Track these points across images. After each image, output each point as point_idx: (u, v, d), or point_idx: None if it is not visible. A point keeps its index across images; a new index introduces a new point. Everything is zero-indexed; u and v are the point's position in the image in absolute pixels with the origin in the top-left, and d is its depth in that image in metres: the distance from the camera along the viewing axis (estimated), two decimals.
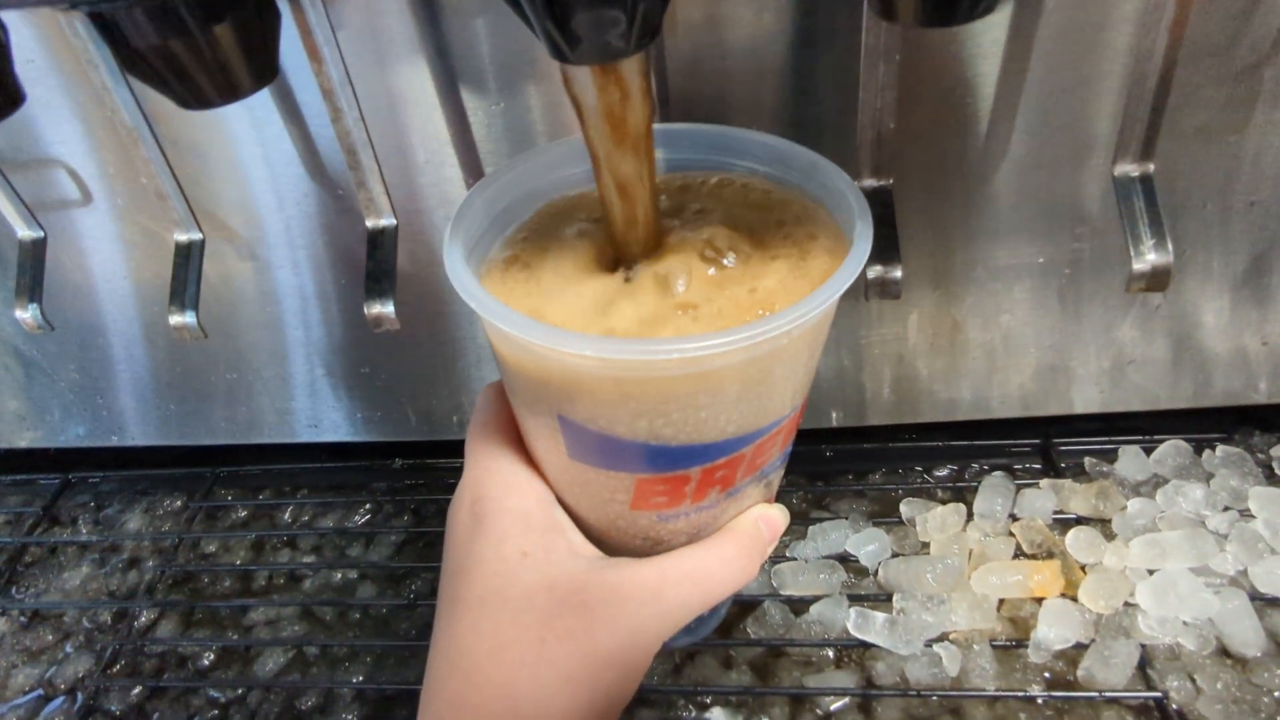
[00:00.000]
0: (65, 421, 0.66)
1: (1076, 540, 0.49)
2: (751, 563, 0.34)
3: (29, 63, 0.44)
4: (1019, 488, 0.54)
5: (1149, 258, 0.34)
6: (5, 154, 0.48)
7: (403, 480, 0.64)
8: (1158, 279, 0.34)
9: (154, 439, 0.66)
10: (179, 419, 0.64)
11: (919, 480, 0.57)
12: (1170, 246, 0.34)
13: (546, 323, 0.29)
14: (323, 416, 0.63)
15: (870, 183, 0.37)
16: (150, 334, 0.59)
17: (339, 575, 0.58)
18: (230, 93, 0.25)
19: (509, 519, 0.31)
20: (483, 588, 0.31)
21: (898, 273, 0.35)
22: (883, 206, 0.36)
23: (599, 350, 0.26)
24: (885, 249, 0.36)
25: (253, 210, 0.50)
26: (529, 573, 0.30)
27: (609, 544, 0.34)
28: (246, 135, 0.47)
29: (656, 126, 0.32)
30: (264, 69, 0.25)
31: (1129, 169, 0.35)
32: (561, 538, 0.32)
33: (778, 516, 0.36)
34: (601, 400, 0.28)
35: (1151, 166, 0.35)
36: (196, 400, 0.63)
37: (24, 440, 0.67)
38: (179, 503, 0.65)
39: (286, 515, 0.63)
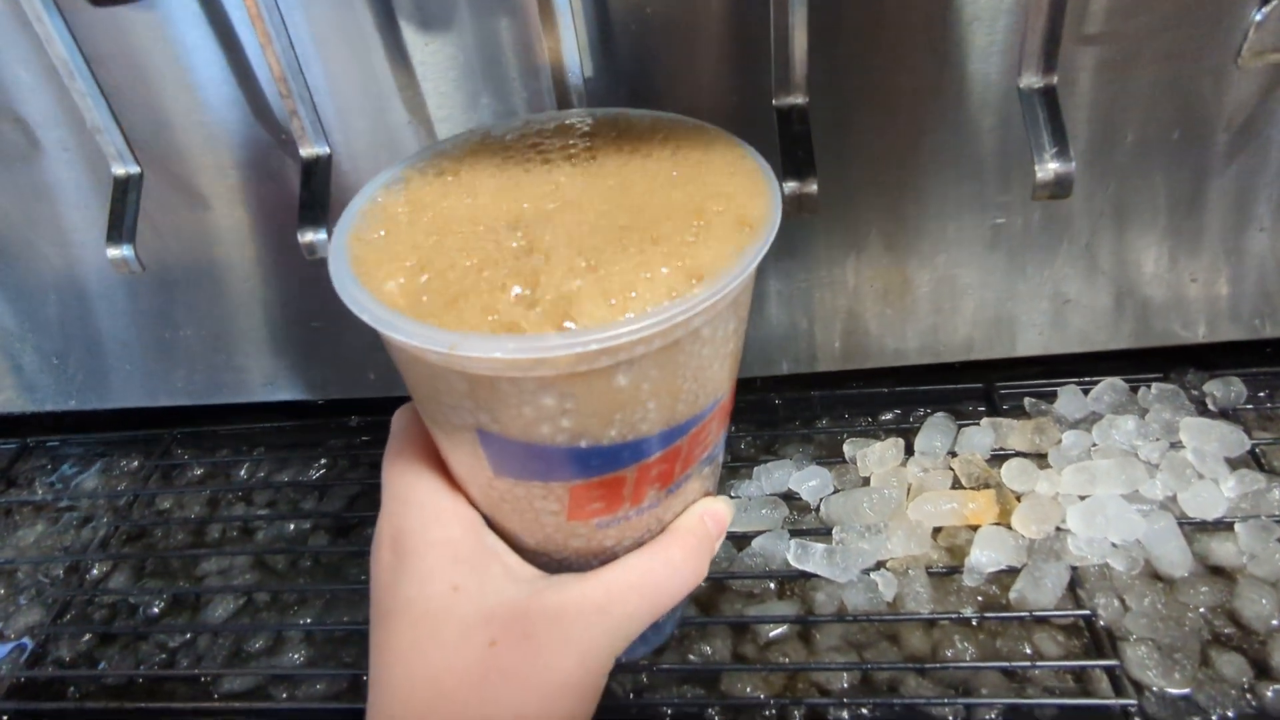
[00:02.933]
0: (24, 385, 0.66)
1: (1011, 470, 0.50)
2: (700, 563, 0.32)
3: None
4: (960, 427, 0.55)
5: (1051, 166, 0.35)
6: None
7: (359, 437, 0.64)
8: (1061, 186, 0.35)
9: (112, 402, 0.66)
10: (137, 380, 0.65)
11: (865, 424, 0.58)
12: (1072, 154, 0.35)
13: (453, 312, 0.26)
14: (280, 375, 0.63)
15: (787, 100, 0.38)
16: (103, 291, 0.60)
17: (291, 526, 0.58)
18: None
19: (434, 552, 0.29)
20: (414, 632, 0.28)
21: (813, 187, 0.36)
22: (798, 124, 0.37)
23: (509, 351, 0.24)
24: (801, 165, 0.37)
25: (198, 156, 0.50)
26: (462, 607, 0.28)
27: (550, 561, 0.32)
28: (192, 80, 0.47)
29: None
30: None
31: (1032, 81, 0.36)
32: (495, 563, 0.30)
33: (723, 510, 0.34)
34: (522, 404, 0.26)
35: (1054, 79, 0.36)
36: (154, 360, 0.63)
37: None
38: (136, 463, 0.65)
39: (242, 472, 0.63)
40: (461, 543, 0.30)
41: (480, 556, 0.30)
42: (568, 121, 0.34)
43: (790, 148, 0.37)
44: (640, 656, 0.46)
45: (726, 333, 0.29)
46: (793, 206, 0.37)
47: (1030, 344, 0.58)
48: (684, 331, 0.26)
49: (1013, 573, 0.47)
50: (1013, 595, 0.46)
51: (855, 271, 0.54)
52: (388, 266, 0.29)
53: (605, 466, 0.29)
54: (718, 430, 0.33)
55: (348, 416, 0.65)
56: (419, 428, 0.32)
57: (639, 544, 0.33)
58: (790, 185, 0.36)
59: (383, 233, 0.31)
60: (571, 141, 0.33)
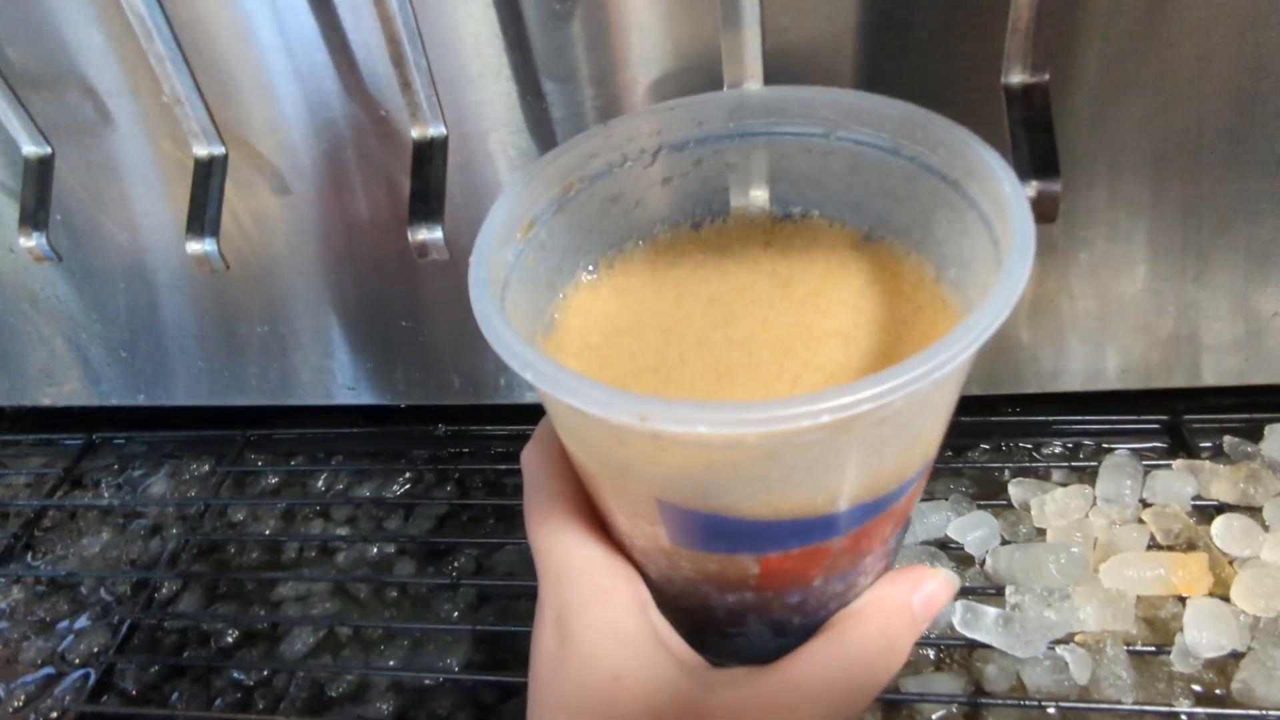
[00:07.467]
0: (90, 378, 0.62)
1: (1228, 530, 0.42)
2: (905, 651, 0.27)
3: None
4: (1147, 470, 0.47)
5: None
6: (13, 66, 0.43)
7: (446, 448, 0.59)
8: None
9: (182, 398, 0.61)
10: (208, 377, 0.60)
11: (1026, 458, 0.50)
12: None
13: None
14: (361, 377, 0.58)
15: (1021, 78, 0.30)
16: (176, 280, 0.55)
17: (375, 549, 0.52)
18: None
19: (594, 635, 0.26)
20: None
21: (1057, 186, 0.29)
22: (1038, 109, 0.29)
23: (715, 424, 0.19)
24: (1044, 159, 0.29)
25: (285, 135, 0.44)
26: (625, 702, 0.25)
27: (720, 637, 0.29)
28: (278, 45, 0.41)
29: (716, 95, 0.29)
30: None
31: None
32: (663, 649, 0.26)
33: (941, 592, 0.28)
34: (716, 476, 0.22)
35: None
36: (227, 356, 0.58)
37: (46, 398, 0.63)
38: (207, 467, 0.60)
39: (320, 483, 0.58)
40: (624, 622, 0.26)
41: (645, 640, 0.26)
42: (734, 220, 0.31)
43: (1026, 137, 0.29)
44: None
45: (959, 384, 0.24)
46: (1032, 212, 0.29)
47: (1224, 371, 0.49)
48: (931, 387, 0.20)
49: (1235, 657, 0.39)
50: (1236, 686, 0.38)
51: (1037, 281, 0.46)
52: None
53: (808, 539, 0.24)
54: (923, 486, 0.28)
55: (433, 425, 0.59)
56: (562, 476, 0.28)
57: (827, 609, 0.28)
58: (1030, 186, 0.29)
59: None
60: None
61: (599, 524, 0.28)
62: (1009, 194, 0.23)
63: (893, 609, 0.27)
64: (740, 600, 0.27)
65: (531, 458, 0.29)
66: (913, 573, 0.28)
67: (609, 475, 0.25)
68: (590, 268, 0.30)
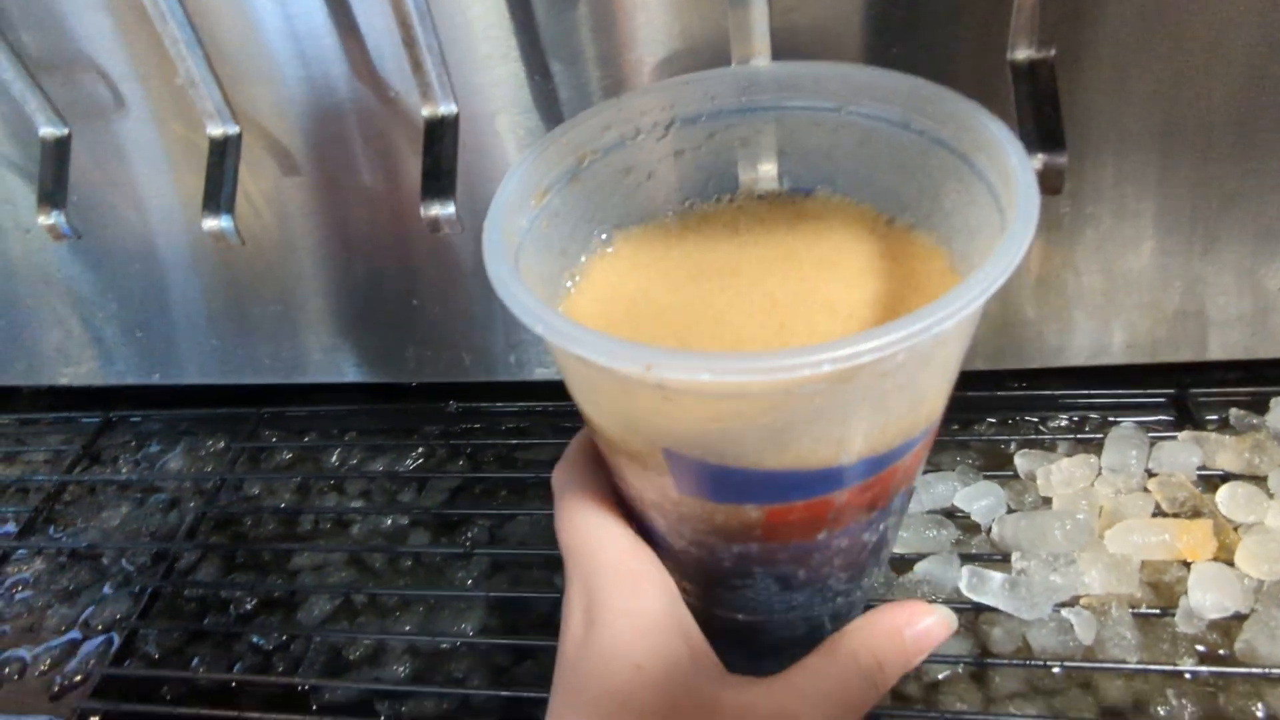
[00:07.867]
0: (106, 357, 0.63)
1: (1231, 497, 0.43)
2: (891, 674, 0.29)
3: None
4: (1153, 440, 0.47)
5: None
6: (29, 50, 0.43)
7: (457, 424, 0.59)
8: None
9: (196, 377, 0.62)
10: (222, 356, 0.61)
11: (1032, 431, 0.51)
12: None
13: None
14: (372, 355, 0.59)
15: (1027, 54, 0.30)
16: (189, 261, 0.55)
17: (389, 521, 0.53)
18: None
19: (619, 624, 0.27)
20: (591, 711, 0.26)
21: (1063, 159, 0.29)
22: (1043, 84, 0.30)
23: (719, 372, 0.20)
24: (1049, 132, 0.29)
25: (296, 116, 0.45)
26: (644, 691, 0.26)
27: (728, 590, 0.30)
28: (287, 28, 0.42)
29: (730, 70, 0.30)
30: None
31: None
32: (683, 643, 0.27)
33: (936, 630, 0.29)
34: (725, 428, 0.23)
35: None
36: (240, 335, 0.59)
37: (64, 377, 0.64)
38: (222, 443, 0.61)
39: (334, 458, 0.59)
40: (649, 614, 0.27)
41: (670, 632, 0.27)
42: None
43: (1032, 112, 0.30)
44: None
45: (962, 343, 0.24)
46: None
47: (1230, 346, 0.49)
48: (932, 343, 0.21)
49: (1239, 619, 0.40)
50: (1239, 646, 0.39)
51: (1042, 257, 0.46)
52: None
53: (811, 491, 0.25)
54: (928, 449, 0.29)
55: (444, 401, 0.60)
56: (590, 482, 0.30)
57: (831, 565, 0.29)
58: (1036, 159, 0.29)
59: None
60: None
61: (627, 521, 0.29)
62: (1015, 164, 0.23)
63: (884, 633, 0.29)
64: (746, 551, 0.28)
65: (560, 474, 0.31)
66: (911, 606, 0.30)
67: (619, 428, 0.25)
68: (604, 236, 0.31)
